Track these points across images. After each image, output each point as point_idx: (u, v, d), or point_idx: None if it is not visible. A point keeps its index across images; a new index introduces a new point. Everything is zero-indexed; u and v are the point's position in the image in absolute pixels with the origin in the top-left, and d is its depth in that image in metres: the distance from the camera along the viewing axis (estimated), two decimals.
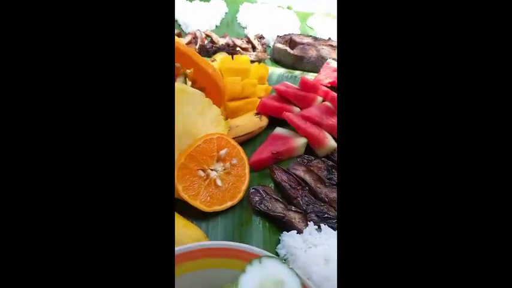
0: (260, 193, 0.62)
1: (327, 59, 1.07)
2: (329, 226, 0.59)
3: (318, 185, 0.68)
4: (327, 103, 0.84)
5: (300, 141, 0.73)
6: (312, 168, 0.71)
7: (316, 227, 0.57)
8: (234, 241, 0.55)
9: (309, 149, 0.75)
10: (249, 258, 0.41)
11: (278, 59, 1.16)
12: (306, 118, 0.77)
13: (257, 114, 0.78)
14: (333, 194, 0.66)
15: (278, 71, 1.12)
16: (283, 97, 0.84)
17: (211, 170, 0.62)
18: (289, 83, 0.92)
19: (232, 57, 0.85)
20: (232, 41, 1.13)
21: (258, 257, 0.40)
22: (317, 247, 0.52)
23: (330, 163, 0.73)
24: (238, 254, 0.44)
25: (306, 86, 0.88)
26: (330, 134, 0.77)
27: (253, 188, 0.62)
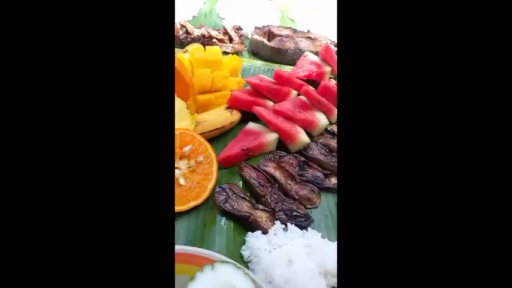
0: (226, 192, 0.59)
1: (304, 52, 1.04)
2: (297, 225, 0.57)
3: (289, 182, 0.66)
4: (302, 97, 0.81)
5: (271, 137, 0.70)
6: (283, 165, 0.69)
7: (283, 226, 0.55)
8: (195, 243, 0.53)
9: (283, 145, 0.73)
10: (204, 264, 0.38)
11: (256, 51, 1.12)
12: (278, 113, 0.74)
13: (228, 108, 0.75)
14: (303, 191, 0.64)
15: (256, 63, 1.08)
16: (257, 91, 0.81)
17: (174, 168, 0.58)
18: (264, 76, 0.88)
19: (205, 48, 0.81)
20: (208, 32, 1.08)
21: (211, 263, 0.38)
22: (281, 248, 0.50)
23: (302, 159, 0.71)
24: (192, 260, 0.41)
25: (280, 79, 0.85)
26: (303, 129, 0.75)
27: (219, 187, 0.59)
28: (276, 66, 1.07)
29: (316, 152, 0.75)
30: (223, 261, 0.38)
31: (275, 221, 0.56)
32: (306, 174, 0.68)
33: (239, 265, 0.39)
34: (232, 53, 1.07)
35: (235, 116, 0.75)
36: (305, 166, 0.70)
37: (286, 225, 0.56)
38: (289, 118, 0.75)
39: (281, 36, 1.13)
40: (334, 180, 0.68)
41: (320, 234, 0.54)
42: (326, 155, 0.74)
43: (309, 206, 0.63)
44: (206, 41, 1.05)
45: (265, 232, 0.53)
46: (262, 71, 1.04)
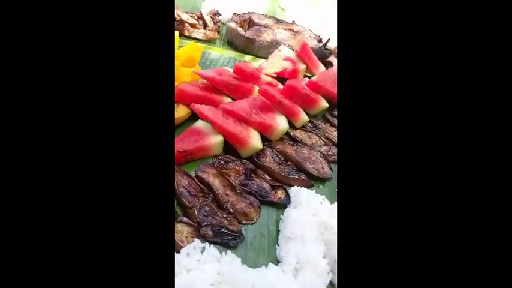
0: None
1: (281, 45, 0.95)
2: (223, 243, 0.50)
3: (227, 192, 0.59)
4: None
5: (216, 139, 0.63)
6: (225, 172, 0.61)
7: (203, 246, 0.48)
8: None
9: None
10: None
11: (230, 40, 1.03)
12: (229, 112, 0.66)
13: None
14: (241, 205, 0.57)
15: (229, 54, 1.00)
16: (213, 85, 0.73)
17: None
18: (227, 69, 0.80)
19: None
20: (178, 15, 0.99)
21: None
22: (189, 273, 0.43)
23: (250, 166, 0.63)
24: None
25: (242, 74, 0.76)
26: (260, 133, 0.67)
27: None
28: (247, 58, 0.99)
29: (269, 159, 0.67)
30: None
31: (197, 238, 0.49)
32: (251, 185, 0.61)
33: None
34: (204, 40, 0.99)
35: (181, 111, 0.67)
36: (252, 175, 0.63)
37: (210, 243, 0.49)
38: (242, 119, 0.67)
39: (260, 25, 1.04)
40: (280, 194, 0.61)
41: (240, 259, 0.47)
42: (280, 164, 0.67)
43: (244, 222, 0.56)
44: (176, 25, 0.97)
45: (177, 251, 0.47)
46: (233, 63, 0.95)
